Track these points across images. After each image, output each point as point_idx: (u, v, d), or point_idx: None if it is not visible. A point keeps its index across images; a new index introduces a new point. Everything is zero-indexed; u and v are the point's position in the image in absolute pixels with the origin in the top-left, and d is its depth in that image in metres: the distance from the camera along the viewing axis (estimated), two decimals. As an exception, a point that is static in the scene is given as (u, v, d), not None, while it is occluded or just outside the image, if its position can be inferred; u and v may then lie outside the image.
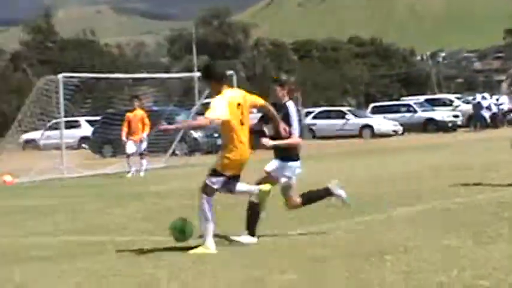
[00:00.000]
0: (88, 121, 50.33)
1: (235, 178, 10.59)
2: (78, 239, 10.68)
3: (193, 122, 11.25)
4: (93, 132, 44.17)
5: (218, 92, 10.56)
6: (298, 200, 11.41)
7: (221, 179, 10.45)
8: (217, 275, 8.55)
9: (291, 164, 11.24)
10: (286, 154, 11.23)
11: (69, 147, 32.90)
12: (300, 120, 11.63)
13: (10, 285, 8.58)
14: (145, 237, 11.72)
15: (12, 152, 32.49)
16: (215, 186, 10.39)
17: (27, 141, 42.27)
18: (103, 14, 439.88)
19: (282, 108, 11.26)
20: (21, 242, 11.98)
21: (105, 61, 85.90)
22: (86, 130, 49.03)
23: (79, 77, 33.72)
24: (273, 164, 11.25)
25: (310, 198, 11.59)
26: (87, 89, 44.07)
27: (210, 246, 10.14)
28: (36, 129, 33.30)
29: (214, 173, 10.44)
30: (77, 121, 49.56)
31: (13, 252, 10.88)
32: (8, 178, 26.53)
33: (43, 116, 31.02)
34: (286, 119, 11.21)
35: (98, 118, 44.12)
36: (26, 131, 33.35)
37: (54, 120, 31.81)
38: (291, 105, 11.39)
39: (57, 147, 31.19)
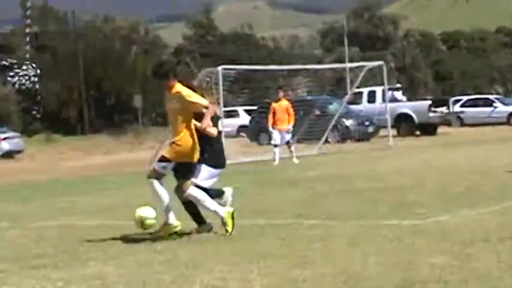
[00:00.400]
0: (246, 110, 51.10)
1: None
2: (236, 222, 10.78)
3: (206, 120, 10.90)
4: (250, 121, 44.79)
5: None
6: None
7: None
8: (368, 259, 8.49)
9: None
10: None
11: (228, 135, 33.35)
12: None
13: (180, 264, 8.74)
14: (300, 221, 11.73)
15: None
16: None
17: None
18: (259, 9, 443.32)
19: None
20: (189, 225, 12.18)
21: (261, 54, 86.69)
22: (244, 119, 49.72)
23: (237, 69, 34.15)
24: None
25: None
26: (244, 80, 44.64)
27: None
28: (197, 119, 34.07)
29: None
30: (235, 111, 50.39)
31: (180, 234, 11.06)
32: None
33: (203, 106, 31.79)
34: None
35: (254, 108, 44.71)
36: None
37: (214, 110, 32.55)
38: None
39: (218, 135, 31.83)
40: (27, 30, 71.19)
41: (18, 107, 70.46)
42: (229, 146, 31.58)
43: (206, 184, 11.49)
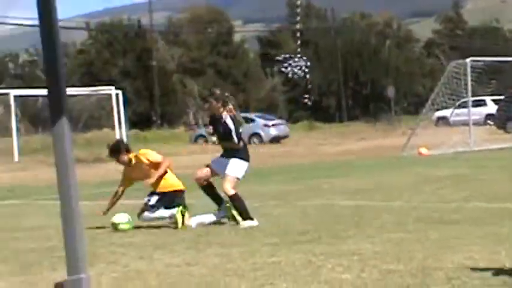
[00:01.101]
0: (493, 100, 49.82)
1: None
2: (486, 205, 10.63)
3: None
4: (498, 110, 43.68)
5: None
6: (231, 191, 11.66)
7: None
8: None
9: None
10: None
11: (476, 123, 32.75)
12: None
13: (431, 243, 8.76)
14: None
15: (426, 127, 33.14)
16: None
17: (440, 118, 43.09)
18: (507, 3, 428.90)
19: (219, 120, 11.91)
20: (438, 207, 12.14)
21: (510, 45, 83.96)
22: (491, 108, 48.50)
23: (485, 61, 33.49)
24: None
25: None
26: (491, 71, 43.53)
27: None
28: (446, 107, 33.75)
29: None
30: (483, 100, 49.20)
31: (429, 216, 11.07)
32: (423, 150, 27.10)
33: (453, 96, 31.50)
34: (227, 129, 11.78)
35: (501, 97, 43.57)
36: (438, 109, 34.07)
37: (463, 100, 32.12)
38: (227, 117, 11.86)
39: (465, 124, 31.37)
40: (297, 26, 72.78)
41: (284, 96, 72.32)
42: (477, 134, 31.11)
43: (240, 175, 11.91)
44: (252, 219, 11.50)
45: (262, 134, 46.45)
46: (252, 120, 47.89)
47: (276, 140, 46.10)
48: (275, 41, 78.24)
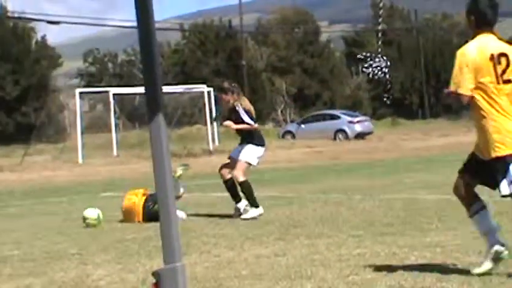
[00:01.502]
0: None
1: None
2: None
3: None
4: None
5: None
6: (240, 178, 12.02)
7: None
8: None
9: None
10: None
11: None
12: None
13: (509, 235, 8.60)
14: None
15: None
16: None
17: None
18: None
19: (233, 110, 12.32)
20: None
21: None
22: None
23: None
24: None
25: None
26: None
27: None
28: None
29: None
30: None
31: None
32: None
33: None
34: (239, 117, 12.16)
35: None
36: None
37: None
38: (238, 105, 12.27)
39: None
40: (379, 27, 72.38)
41: (368, 94, 71.92)
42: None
43: (255, 161, 12.18)
44: (257, 207, 11.88)
45: (347, 130, 46.29)
46: (338, 117, 47.82)
47: (360, 136, 45.87)
48: (359, 40, 77.85)
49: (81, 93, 39.62)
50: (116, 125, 38.93)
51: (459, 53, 6.89)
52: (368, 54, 63.81)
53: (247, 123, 12.19)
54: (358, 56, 65.96)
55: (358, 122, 47.42)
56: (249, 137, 12.28)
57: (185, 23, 78.27)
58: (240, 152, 12.18)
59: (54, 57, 63.91)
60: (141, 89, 41.35)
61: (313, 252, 8.27)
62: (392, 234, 9.17)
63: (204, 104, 39.27)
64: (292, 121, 58.01)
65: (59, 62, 64.41)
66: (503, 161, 6.62)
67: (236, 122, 12.28)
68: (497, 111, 6.63)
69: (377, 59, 65.33)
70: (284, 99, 67.29)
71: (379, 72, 65.64)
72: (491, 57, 6.66)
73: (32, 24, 60.62)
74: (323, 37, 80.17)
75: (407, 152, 30.69)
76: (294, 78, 70.10)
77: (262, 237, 9.58)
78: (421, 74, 71.43)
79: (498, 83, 6.65)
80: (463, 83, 6.70)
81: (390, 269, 7.12)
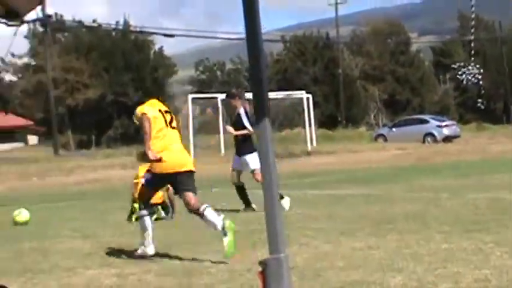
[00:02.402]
0: None
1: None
2: None
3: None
4: None
5: None
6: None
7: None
8: None
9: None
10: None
11: None
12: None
13: None
14: None
15: None
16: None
17: None
18: None
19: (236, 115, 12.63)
20: None
21: None
22: None
23: None
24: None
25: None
26: None
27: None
28: None
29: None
30: None
31: None
32: None
33: None
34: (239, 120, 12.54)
35: None
36: None
37: None
38: (241, 109, 12.61)
39: None
40: (472, 37, 71.10)
41: (455, 100, 70.61)
42: None
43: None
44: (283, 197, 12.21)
45: (435, 133, 45.62)
46: (427, 121, 47.18)
47: (448, 139, 45.12)
48: (447, 50, 76.54)
49: (193, 98, 40.16)
50: (224, 128, 39.24)
51: None
52: (461, 64, 62.95)
53: (247, 128, 12.50)
54: (453, 66, 65.07)
55: (445, 126, 46.67)
56: (247, 147, 12.61)
57: (286, 35, 78.39)
58: (248, 163, 12.61)
59: (170, 66, 65.10)
60: (246, 95, 41.71)
61: (404, 247, 8.15)
62: (478, 231, 8.95)
63: (303, 109, 39.26)
64: (384, 125, 57.46)
65: (174, 70, 65.58)
66: None
67: (238, 127, 12.66)
68: None
69: (470, 67, 64.34)
70: (377, 104, 66.77)
71: (473, 79, 64.60)
72: None
73: (151, 37, 61.90)
74: (413, 47, 79.16)
75: (492, 155, 29.95)
76: (386, 86, 69.53)
77: (356, 232, 9.50)
78: (505, 82, 69.79)
79: None
80: None
81: (477, 263, 6.96)
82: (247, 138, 12.74)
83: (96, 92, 57.31)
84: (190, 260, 8.10)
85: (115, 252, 8.95)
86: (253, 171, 12.54)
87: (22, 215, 12.87)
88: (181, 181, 8.47)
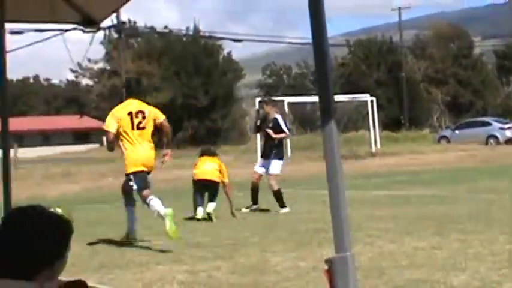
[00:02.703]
0: None
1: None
2: None
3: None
4: None
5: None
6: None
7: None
8: None
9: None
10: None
11: None
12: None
13: None
14: None
15: None
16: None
17: None
18: None
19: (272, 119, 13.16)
20: None
21: None
22: None
23: None
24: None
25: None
26: None
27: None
28: None
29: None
30: None
31: None
32: None
33: None
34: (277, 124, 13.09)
35: None
36: None
37: None
38: (278, 117, 13.27)
39: None
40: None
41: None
42: None
43: (280, 171, 13.07)
44: (285, 207, 12.97)
45: (498, 135, 44.74)
46: (489, 124, 46.34)
47: (510, 141, 44.17)
48: (510, 54, 75.00)
49: (260, 101, 40.21)
50: (290, 130, 39.27)
51: None
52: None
53: (284, 132, 13.31)
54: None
55: (508, 128, 45.70)
56: (275, 150, 13.17)
57: (350, 40, 77.93)
58: (269, 167, 13.14)
59: (238, 71, 65.38)
60: (312, 98, 41.57)
61: (467, 247, 8.03)
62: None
63: (367, 112, 38.97)
64: (447, 127, 56.59)
65: (242, 74, 65.84)
66: None
67: (276, 130, 13.16)
68: None
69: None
70: (440, 107, 65.83)
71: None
72: None
73: (220, 42, 62.29)
74: (476, 51, 77.80)
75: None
76: (448, 88, 68.51)
77: (420, 232, 9.40)
78: None
79: None
80: None
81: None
82: (278, 143, 13.30)
83: (167, 95, 57.93)
84: (257, 258, 8.12)
85: (186, 249, 9.04)
86: (270, 174, 13.15)
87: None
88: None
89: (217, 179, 12.55)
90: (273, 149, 13.17)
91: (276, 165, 13.09)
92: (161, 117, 9.86)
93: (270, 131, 13.25)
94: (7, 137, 4.38)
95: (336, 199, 2.80)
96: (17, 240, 2.38)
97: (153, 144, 9.71)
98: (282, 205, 13.08)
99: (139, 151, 9.54)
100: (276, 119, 13.35)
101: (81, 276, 2.31)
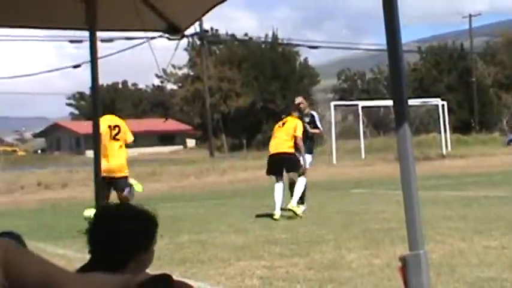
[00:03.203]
0: None
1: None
2: None
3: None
4: None
5: None
6: None
7: None
8: None
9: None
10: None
11: None
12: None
13: None
14: None
15: None
16: None
17: None
18: None
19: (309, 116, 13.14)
20: None
21: None
22: None
23: None
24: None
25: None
26: None
27: None
28: None
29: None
30: None
31: None
32: None
33: None
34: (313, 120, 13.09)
35: None
36: None
37: None
38: (314, 114, 13.38)
39: None
40: None
41: None
42: None
43: (308, 165, 12.48)
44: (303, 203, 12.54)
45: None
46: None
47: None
48: None
49: (335, 105, 40.06)
50: (364, 133, 38.97)
51: None
52: None
53: (319, 129, 13.26)
54: None
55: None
56: (308, 145, 12.83)
57: (422, 46, 76.78)
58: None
59: (314, 76, 65.28)
60: (385, 102, 41.13)
61: (538, 246, 7.78)
62: None
63: (439, 115, 38.33)
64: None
65: (318, 79, 65.71)
66: None
67: (311, 126, 13.11)
68: None
69: None
70: (509, 111, 64.21)
71: None
72: None
73: (297, 49, 62.30)
74: (546, 56, 75.53)
75: None
76: (519, 93, 66.86)
77: (490, 231, 9.16)
78: None
79: None
80: None
81: None
82: (310, 138, 13.17)
83: (247, 99, 58.29)
84: (333, 255, 8.07)
85: (264, 246, 9.05)
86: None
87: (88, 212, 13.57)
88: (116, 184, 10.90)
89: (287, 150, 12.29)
90: (304, 143, 12.86)
91: (306, 159, 12.55)
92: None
93: (307, 126, 13.13)
94: (98, 139, 4.47)
95: (410, 199, 2.76)
96: (107, 234, 2.43)
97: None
98: (302, 201, 12.58)
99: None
100: (312, 115, 13.33)
101: (165, 270, 2.33)
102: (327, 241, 9.15)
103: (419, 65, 70.23)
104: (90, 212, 13.60)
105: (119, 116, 11.70)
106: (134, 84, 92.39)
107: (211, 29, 58.95)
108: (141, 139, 73.38)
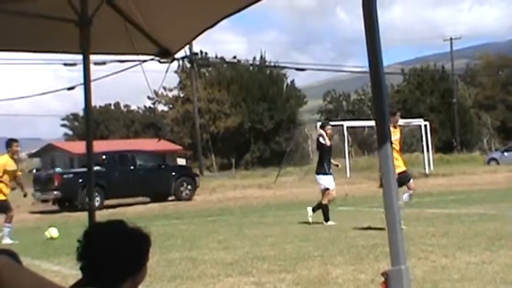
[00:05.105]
0: None
1: None
2: None
3: None
4: None
5: None
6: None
7: None
8: None
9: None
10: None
11: None
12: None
13: None
14: None
15: None
16: None
17: None
18: None
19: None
20: None
21: None
22: None
23: None
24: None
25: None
26: None
27: None
28: None
29: None
30: None
31: None
32: None
33: None
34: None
35: None
36: None
37: None
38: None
39: None
40: None
41: None
42: None
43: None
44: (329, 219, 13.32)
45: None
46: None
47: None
48: None
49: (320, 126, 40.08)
50: (349, 152, 39.02)
51: None
52: None
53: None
54: None
55: None
56: (323, 167, 13.72)
57: (405, 68, 77.18)
58: (321, 183, 13.67)
59: (301, 97, 65.39)
60: (369, 123, 41.24)
61: (517, 262, 7.81)
62: None
63: (421, 135, 38.48)
64: (496, 150, 55.41)
65: (304, 101, 65.82)
66: None
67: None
68: None
69: None
70: (489, 131, 64.59)
71: None
72: None
73: (284, 71, 62.47)
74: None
75: None
76: (497, 113, 67.32)
77: (471, 247, 9.19)
78: None
79: None
80: None
81: None
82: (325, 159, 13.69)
83: (235, 120, 58.30)
84: (320, 271, 8.06)
85: (253, 262, 9.04)
86: (326, 190, 13.42)
87: (52, 232, 13.93)
88: None
89: None
90: (317, 164, 14.03)
91: (327, 180, 13.67)
92: None
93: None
94: (91, 158, 4.50)
95: (392, 216, 2.78)
96: (100, 253, 2.36)
97: None
98: (327, 218, 13.54)
99: None
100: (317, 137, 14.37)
101: (157, 286, 2.33)
102: (313, 257, 9.15)
103: (403, 86, 70.55)
104: (51, 232, 13.91)
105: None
106: (126, 106, 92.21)
107: (201, 52, 59.01)
108: (133, 159, 73.15)
